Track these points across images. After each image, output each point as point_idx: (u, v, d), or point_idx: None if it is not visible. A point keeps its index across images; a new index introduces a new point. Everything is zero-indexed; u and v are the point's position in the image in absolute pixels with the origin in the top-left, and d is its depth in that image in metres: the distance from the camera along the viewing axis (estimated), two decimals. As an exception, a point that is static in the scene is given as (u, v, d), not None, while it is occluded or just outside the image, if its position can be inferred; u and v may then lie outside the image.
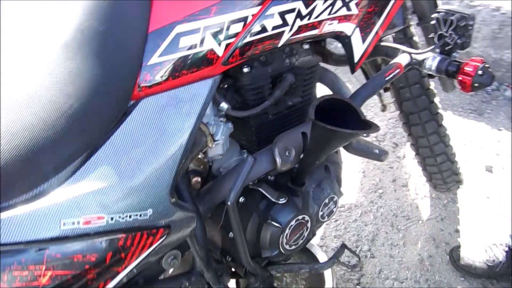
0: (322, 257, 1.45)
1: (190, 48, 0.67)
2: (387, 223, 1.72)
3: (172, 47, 0.66)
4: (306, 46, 0.92)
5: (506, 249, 1.50)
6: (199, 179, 0.96)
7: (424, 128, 1.38)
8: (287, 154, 0.84)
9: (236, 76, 0.83)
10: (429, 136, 1.40)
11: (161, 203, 0.68)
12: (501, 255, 1.50)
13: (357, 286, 1.51)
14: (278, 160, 0.83)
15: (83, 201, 0.59)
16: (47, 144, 0.55)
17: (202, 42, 0.68)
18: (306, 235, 0.95)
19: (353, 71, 0.93)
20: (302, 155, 0.85)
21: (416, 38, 1.26)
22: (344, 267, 1.47)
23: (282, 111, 0.93)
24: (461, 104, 2.25)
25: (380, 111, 1.53)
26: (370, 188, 1.85)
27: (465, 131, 2.07)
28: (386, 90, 1.47)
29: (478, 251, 1.54)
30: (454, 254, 1.57)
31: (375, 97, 1.53)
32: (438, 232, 1.70)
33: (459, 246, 1.58)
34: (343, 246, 1.07)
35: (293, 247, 0.93)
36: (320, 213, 0.97)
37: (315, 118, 0.71)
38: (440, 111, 1.40)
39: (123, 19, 0.62)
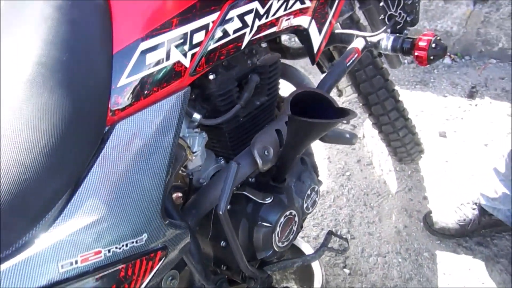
0: (306, 248, 1.47)
1: (157, 63, 0.66)
2: (360, 203, 1.77)
3: (139, 65, 0.64)
4: (264, 45, 0.93)
5: (474, 206, 1.59)
6: (179, 194, 0.95)
7: (383, 106, 1.43)
8: (266, 153, 0.84)
9: (202, 84, 0.82)
10: (389, 113, 1.46)
11: (155, 226, 0.66)
12: (470, 213, 1.59)
13: (344, 269, 1.54)
14: (259, 161, 0.83)
15: (77, 239, 0.56)
16: (29, 187, 0.52)
17: (168, 55, 0.67)
18: (295, 229, 0.96)
19: (313, 62, 0.94)
20: (280, 152, 0.86)
21: (362, 22, 1.30)
22: (334, 253, 1.50)
23: (252, 112, 0.93)
24: (406, 78, 2.36)
25: (337, 96, 1.58)
26: (337, 172, 1.89)
27: (414, 103, 2.16)
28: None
29: (449, 213, 1.62)
30: (427, 220, 1.64)
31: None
32: (408, 202, 1.77)
33: (430, 212, 1.65)
34: (330, 233, 1.09)
35: (286, 243, 0.94)
36: (305, 205, 0.98)
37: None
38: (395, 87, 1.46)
39: (85, 44, 0.60)
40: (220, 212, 0.74)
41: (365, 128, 2.05)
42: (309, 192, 0.98)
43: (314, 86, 1.08)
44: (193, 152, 0.80)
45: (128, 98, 0.64)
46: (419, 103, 2.19)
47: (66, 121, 0.56)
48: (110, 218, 0.60)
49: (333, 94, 2.02)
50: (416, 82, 2.32)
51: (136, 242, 0.63)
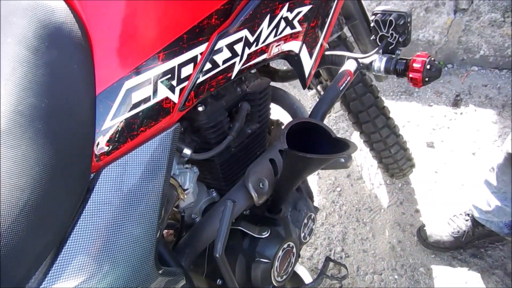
0: (301, 271, 1.43)
1: (143, 102, 0.61)
2: (352, 219, 1.74)
3: (124, 105, 0.59)
4: (253, 71, 0.89)
5: (467, 218, 1.58)
6: (171, 231, 0.90)
7: (374, 124, 1.41)
8: (261, 186, 0.80)
9: (191, 117, 0.78)
10: (380, 130, 1.43)
11: (149, 277, 0.61)
12: (463, 225, 1.57)
13: (341, 290, 1.51)
14: (254, 194, 0.79)
15: (65, 303, 0.51)
16: (10, 253, 0.46)
17: (155, 93, 0.62)
18: (293, 261, 0.92)
19: (305, 86, 0.91)
20: (276, 184, 0.82)
21: (350, 39, 1.28)
22: (334, 281, 1.46)
23: (244, 141, 0.89)
24: (390, 88, 2.35)
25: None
26: (328, 188, 1.86)
27: (400, 113, 2.15)
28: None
29: (442, 225, 1.60)
30: (421, 234, 1.62)
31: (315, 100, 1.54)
32: (401, 216, 1.74)
33: (423, 226, 1.63)
34: (328, 260, 1.05)
35: (284, 276, 0.89)
36: (302, 235, 0.94)
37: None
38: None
39: (65, 87, 0.55)
40: (217, 255, 0.70)
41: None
42: (305, 220, 0.95)
43: (304, 109, 1.05)
44: (185, 190, 0.76)
45: (113, 141, 0.59)
46: (405, 113, 2.18)
47: (48, 174, 0.51)
48: (100, 275, 0.55)
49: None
50: (400, 92, 2.32)
51: (129, 298, 0.58)
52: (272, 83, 1.02)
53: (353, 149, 0.64)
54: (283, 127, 0.70)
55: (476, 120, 2.12)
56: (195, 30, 0.65)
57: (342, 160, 0.98)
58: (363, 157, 1.94)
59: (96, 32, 0.57)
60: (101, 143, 0.58)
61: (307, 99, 2.21)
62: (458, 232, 1.57)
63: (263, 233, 0.84)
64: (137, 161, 0.62)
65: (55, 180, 0.52)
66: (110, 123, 0.59)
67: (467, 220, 1.58)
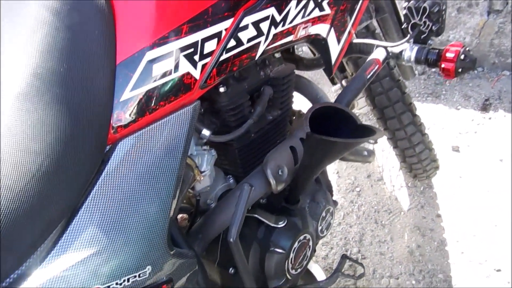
0: (316, 270, 1.39)
1: (164, 75, 0.59)
2: (370, 221, 1.69)
3: (144, 77, 0.57)
4: (277, 55, 0.87)
5: None
6: (185, 215, 0.88)
7: (400, 120, 1.36)
8: (280, 173, 0.77)
9: (212, 98, 0.76)
10: (406, 128, 1.38)
11: (160, 257, 0.59)
12: None
13: (356, 292, 1.47)
14: (272, 181, 0.76)
15: (73, 275, 0.49)
16: (20, 217, 0.45)
17: (176, 66, 0.60)
18: (309, 254, 0.89)
19: (330, 73, 0.88)
20: (295, 172, 0.79)
21: (378, 31, 1.24)
22: (350, 279, 1.42)
23: (264, 127, 0.86)
24: (417, 89, 2.29)
25: (349, 109, 1.51)
26: (347, 188, 1.82)
27: (426, 116, 2.08)
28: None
29: None
30: None
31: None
32: (421, 220, 1.69)
33: None
34: (344, 257, 1.01)
35: (299, 270, 0.87)
36: (319, 228, 0.91)
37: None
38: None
39: (85, 54, 0.53)
40: (231, 240, 0.67)
41: (375, 141, 1.97)
42: (323, 214, 0.91)
43: (329, 99, 1.01)
44: (202, 172, 0.74)
45: (132, 114, 0.57)
46: (431, 115, 2.11)
47: (63, 141, 0.49)
48: (110, 250, 0.53)
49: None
50: (427, 94, 2.25)
51: (139, 276, 0.56)
52: (296, 72, 1.00)
53: (380, 135, 0.60)
54: (306, 111, 0.67)
55: (505, 126, 2.04)
56: (221, 5, 0.63)
57: (365, 153, 0.94)
58: (385, 158, 1.89)
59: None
60: (119, 114, 0.56)
61: (330, 96, 2.17)
62: None
63: (280, 223, 0.81)
64: (155, 136, 0.60)
65: (70, 148, 0.50)
66: (129, 94, 0.57)
67: None
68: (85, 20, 0.53)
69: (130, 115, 0.57)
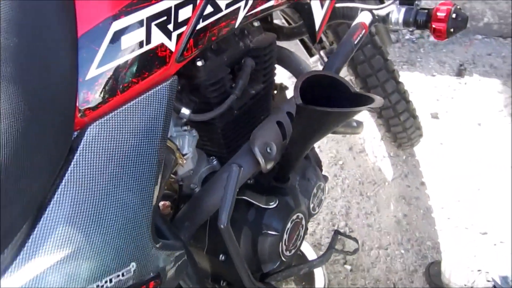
0: (305, 248, 1.36)
1: (135, 48, 0.52)
2: (355, 193, 1.67)
3: (112, 51, 0.50)
4: (256, 24, 0.80)
5: (490, 280, 1.32)
6: (167, 202, 0.81)
7: (384, 89, 1.32)
8: (268, 150, 0.72)
9: (189, 73, 0.69)
10: (390, 96, 1.35)
11: (145, 251, 0.53)
12: (481, 284, 1.33)
13: (345, 266, 1.45)
14: (261, 160, 0.70)
15: (47, 279, 0.43)
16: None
17: (148, 37, 0.53)
18: (302, 234, 0.84)
19: (315, 40, 0.82)
20: (285, 148, 0.73)
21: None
22: (344, 254, 1.38)
23: (247, 102, 0.80)
24: (392, 58, 2.24)
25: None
26: (330, 161, 1.78)
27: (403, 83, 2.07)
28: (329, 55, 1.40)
29: (459, 271, 1.37)
30: (431, 269, 1.43)
31: (318, 65, 1.44)
32: (406, 189, 1.68)
33: (439, 262, 1.43)
34: (336, 233, 0.98)
35: (293, 251, 0.82)
36: (311, 206, 0.87)
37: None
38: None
39: (39, 25, 0.46)
40: (222, 226, 0.62)
41: (354, 113, 1.94)
42: (315, 190, 0.87)
43: (312, 69, 0.96)
44: (183, 155, 0.67)
45: (100, 94, 0.50)
46: (408, 83, 2.07)
47: (20, 128, 0.42)
48: (87, 249, 0.46)
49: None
50: (402, 62, 2.23)
51: (123, 274, 0.50)
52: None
53: (379, 102, 0.55)
54: (295, 81, 0.61)
55: (481, 90, 2.04)
56: (194, -35, 0.55)
57: (354, 124, 0.90)
58: (365, 129, 1.86)
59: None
60: (86, 95, 0.49)
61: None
62: None
63: (271, 203, 0.76)
64: (129, 117, 0.53)
65: (29, 136, 0.43)
66: (96, 71, 0.49)
67: (488, 281, 1.33)
68: (37, -14, 0.46)
69: (98, 95, 0.50)
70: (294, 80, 0.97)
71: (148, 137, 0.55)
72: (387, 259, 1.47)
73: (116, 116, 0.52)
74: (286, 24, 1.02)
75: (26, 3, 0.45)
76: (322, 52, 1.33)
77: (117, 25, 0.50)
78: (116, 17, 0.49)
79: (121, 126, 0.52)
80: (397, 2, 0.82)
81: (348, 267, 1.44)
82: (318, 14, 0.77)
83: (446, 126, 1.88)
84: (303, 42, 1.30)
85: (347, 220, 1.58)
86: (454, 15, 0.75)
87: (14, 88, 0.43)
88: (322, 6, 0.77)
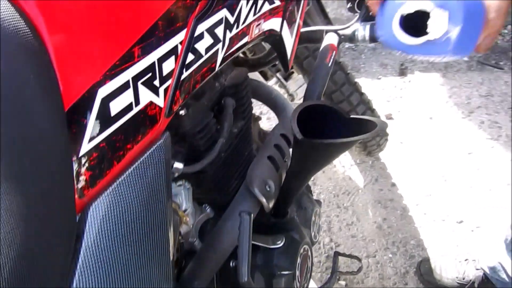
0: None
1: (125, 111, 0.48)
2: (333, 206, 1.67)
3: (102, 120, 0.46)
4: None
5: (479, 268, 1.36)
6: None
7: (350, 102, 1.34)
8: (267, 188, 0.69)
9: (173, 124, 0.65)
10: (356, 108, 1.37)
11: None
12: (471, 274, 1.37)
13: (340, 282, 1.43)
14: (263, 199, 0.68)
15: None
16: None
17: (137, 98, 0.49)
18: (310, 265, 0.81)
19: (287, 68, 0.81)
20: (284, 183, 0.71)
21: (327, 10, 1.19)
22: (349, 275, 1.35)
23: (233, 142, 0.77)
24: (337, 68, 2.32)
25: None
26: (301, 179, 1.78)
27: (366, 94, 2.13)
28: (287, 78, 1.40)
29: (448, 265, 1.41)
30: (421, 268, 1.45)
31: (277, 88, 1.44)
32: (379, 193, 1.70)
33: (428, 259, 1.46)
34: (336, 255, 0.96)
35: (305, 285, 0.79)
36: (313, 234, 0.85)
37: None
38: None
39: (23, 106, 0.40)
40: (244, 280, 0.58)
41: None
42: (313, 218, 0.85)
43: (284, 97, 0.95)
44: (184, 211, 0.63)
45: (97, 169, 0.46)
46: (357, 90, 2.15)
47: (22, 228, 0.37)
48: None
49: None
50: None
51: None
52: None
53: (383, 126, 0.54)
54: (289, 114, 0.59)
55: (425, 85, 2.15)
56: (170, 15, 0.52)
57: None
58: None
59: (50, 31, 0.43)
60: (82, 173, 0.44)
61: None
62: (464, 279, 1.38)
63: (278, 242, 0.73)
64: (130, 187, 0.49)
65: (30, 237, 0.37)
66: (88, 145, 0.45)
67: (478, 269, 1.37)
68: (13, 64, 0.40)
69: (95, 171, 0.45)
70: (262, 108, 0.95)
71: (154, 203, 0.51)
72: (378, 266, 1.47)
73: (116, 189, 0.47)
74: (249, 55, 1.00)
75: (6, 84, 0.40)
76: (279, 75, 1.33)
77: (103, 92, 0.45)
78: (101, 83, 0.45)
79: (123, 199, 0.48)
80: (359, 20, 0.83)
81: (342, 282, 1.43)
82: (289, 43, 0.77)
83: (402, 125, 1.95)
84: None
85: (331, 235, 1.57)
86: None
87: (6, 184, 0.37)
88: (291, 34, 0.77)
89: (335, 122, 0.62)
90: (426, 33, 0.47)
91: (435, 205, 1.64)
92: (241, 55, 0.93)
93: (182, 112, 0.65)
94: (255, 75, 1.30)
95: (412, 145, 1.86)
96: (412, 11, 0.46)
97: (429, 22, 0.46)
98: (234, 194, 0.77)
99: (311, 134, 0.61)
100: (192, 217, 0.68)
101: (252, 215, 0.60)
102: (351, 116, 0.60)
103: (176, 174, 0.64)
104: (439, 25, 0.45)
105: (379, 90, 2.14)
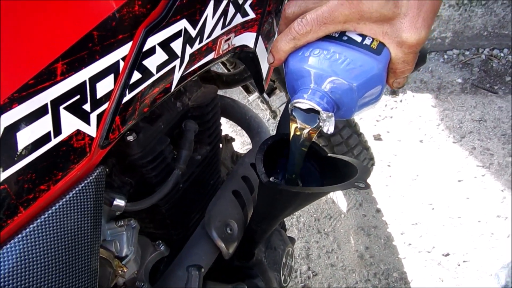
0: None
1: (38, 144, 0.38)
2: (313, 231, 1.57)
3: (6, 155, 0.35)
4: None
5: None
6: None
7: (347, 144, 1.28)
8: (228, 231, 0.59)
9: (119, 150, 0.55)
10: (341, 132, 1.27)
11: None
12: None
13: (316, 315, 1.33)
14: (221, 245, 0.58)
15: None
16: None
17: (57, 126, 0.39)
18: (277, 315, 0.71)
19: (262, 90, 0.71)
20: (248, 225, 0.61)
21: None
22: None
23: (194, 171, 0.67)
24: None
25: (272, 119, 1.36)
26: (281, 200, 1.68)
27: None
28: (270, 93, 1.31)
29: None
30: None
31: (259, 104, 1.35)
32: (363, 219, 1.61)
33: None
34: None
35: None
36: (282, 278, 0.74)
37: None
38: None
39: None
40: None
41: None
42: (284, 259, 0.75)
43: (260, 119, 0.85)
44: (123, 259, 0.52)
45: (2, 216, 0.35)
46: (346, 107, 2.07)
47: None
48: None
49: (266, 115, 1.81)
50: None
51: None
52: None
53: (365, 174, 0.45)
54: (254, 150, 0.50)
55: (416, 106, 2.07)
56: (111, 24, 0.42)
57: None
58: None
59: None
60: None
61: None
62: None
63: (238, 292, 0.63)
64: (43, 239, 0.38)
65: None
66: (-12, 187, 0.34)
67: None
68: None
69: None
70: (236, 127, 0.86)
71: (74, 256, 0.40)
72: (357, 300, 1.38)
73: (21, 242, 0.37)
74: (225, 70, 0.91)
75: None
76: (261, 89, 1.23)
77: (7, 119, 0.35)
78: (4, 108, 0.35)
79: (30, 254, 0.37)
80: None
81: (318, 316, 1.33)
82: (265, 61, 0.67)
83: (390, 147, 1.86)
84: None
85: (309, 263, 1.47)
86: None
87: None
88: (268, 51, 0.67)
89: (311, 158, 0.52)
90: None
91: (420, 235, 1.55)
92: (214, 68, 0.83)
93: (130, 138, 0.54)
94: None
95: (400, 168, 1.77)
96: (304, 108, 0.44)
97: (320, 117, 0.44)
98: (195, 229, 0.67)
99: (283, 168, 0.52)
100: (136, 263, 0.57)
101: (202, 269, 0.50)
102: (329, 154, 0.51)
103: (118, 213, 0.54)
104: (329, 123, 0.44)
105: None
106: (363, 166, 0.45)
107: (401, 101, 2.09)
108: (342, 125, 1.27)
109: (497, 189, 1.68)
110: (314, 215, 1.62)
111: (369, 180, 1.35)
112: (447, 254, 1.49)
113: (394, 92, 2.13)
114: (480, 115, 2.02)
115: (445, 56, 2.33)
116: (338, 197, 1.68)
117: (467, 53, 2.34)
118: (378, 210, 1.64)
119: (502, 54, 2.32)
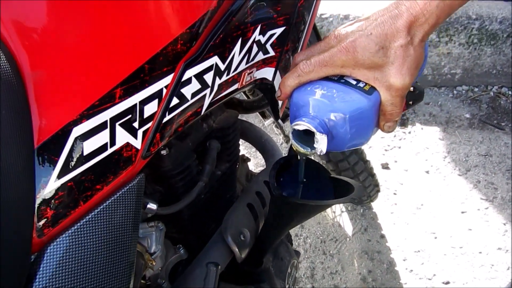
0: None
1: (98, 152, 0.47)
2: (319, 252, 1.64)
3: (73, 159, 0.45)
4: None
5: None
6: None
7: (353, 170, 1.36)
8: (242, 238, 0.68)
9: (153, 162, 0.64)
10: (348, 158, 1.36)
11: None
12: None
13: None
14: (235, 249, 0.66)
15: None
16: None
17: (113, 139, 0.49)
18: (281, 319, 0.79)
19: (278, 117, 0.81)
20: (260, 233, 0.70)
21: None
22: None
23: (213, 185, 0.76)
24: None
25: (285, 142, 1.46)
26: (289, 221, 1.76)
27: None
28: (285, 119, 1.40)
29: None
30: None
31: (273, 128, 1.44)
32: (367, 243, 1.68)
33: None
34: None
35: None
36: (287, 287, 0.82)
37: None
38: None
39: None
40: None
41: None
42: (289, 270, 0.83)
43: (274, 142, 0.94)
44: (152, 254, 0.61)
45: (61, 208, 0.45)
46: (356, 136, 2.15)
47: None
48: None
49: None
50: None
51: None
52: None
53: (359, 191, 0.53)
54: (269, 169, 0.59)
55: (424, 138, 2.14)
56: (158, 59, 0.52)
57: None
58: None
59: (33, 67, 0.43)
60: (44, 212, 0.43)
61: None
62: None
63: (247, 294, 0.71)
64: (94, 229, 0.48)
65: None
66: (55, 184, 0.44)
67: None
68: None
69: (58, 210, 0.45)
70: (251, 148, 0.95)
71: (118, 246, 0.49)
72: (358, 321, 1.43)
73: (78, 230, 0.46)
74: (245, 97, 1.01)
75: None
76: (276, 115, 1.33)
77: (78, 131, 0.45)
78: (76, 122, 0.45)
79: (85, 241, 0.47)
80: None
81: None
82: (281, 92, 0.77)
83: (397, 176, 1.94)
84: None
85: (313, 283, 1.54)
86: (412, 88, 0.77)
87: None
88: (284, 84, 0.77)
89: (316, 178, 0.61)
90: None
91: (422, 262, 1.61)
92: (236, 96, 0.93)
93: (163, 152, 0.64)
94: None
95: (406, 197, 1.84)
96: (302, 129, 0.52)
97: (315, 139, 0.51)
98: (210, 237, 0.76)
99: (292, 185, 0.60)
100: (161, 260, 0.66)
101: (219, 267, 0.58)
102: (331, 175, 0.60)
103: (149, 215, 0.63)
104: (322, 143, 0.51)
105: (378, 138, 2.14)
106: (359, 186, 0.54)
107: (409, 132, 2.17)
108: (349, 152, 1.35)
109: (499, 222, 1.74)
110: (321, 237, 1.69)
111: (375, 207, 1.45)
112: (447, 282, 1.54)
113: (403, 124, 2.22)
114: (486, 150, 2.08)
115: (455, 92, 2.42)
116: (344, 221, 1.75)
117: (476, 89, 2.43)
118: (383, 236, 1.70)
119: (510, 92, 2.40)
